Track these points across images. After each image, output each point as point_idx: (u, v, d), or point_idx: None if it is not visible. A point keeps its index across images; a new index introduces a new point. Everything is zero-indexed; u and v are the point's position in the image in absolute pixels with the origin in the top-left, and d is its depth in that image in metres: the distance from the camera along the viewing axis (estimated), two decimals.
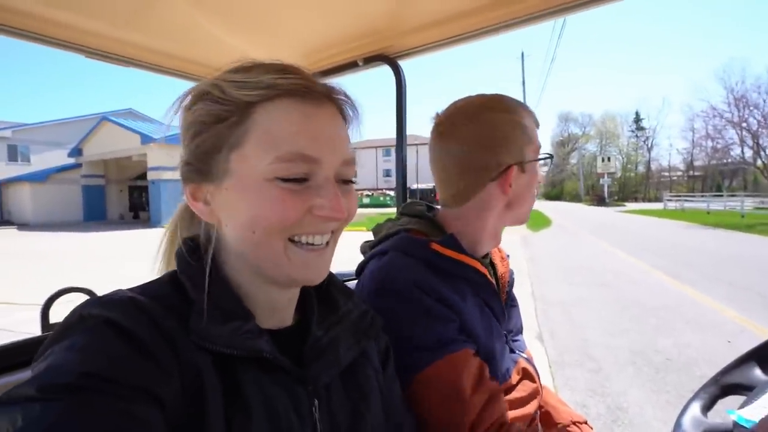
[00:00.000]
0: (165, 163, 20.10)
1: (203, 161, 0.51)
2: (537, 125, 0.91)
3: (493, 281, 0.95)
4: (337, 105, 0.54)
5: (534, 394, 0.95)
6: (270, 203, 0.47)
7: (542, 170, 0.93)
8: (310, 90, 0.50)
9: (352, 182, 0.55)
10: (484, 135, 0.86)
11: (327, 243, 0.52)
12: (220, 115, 0.49)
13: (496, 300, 0.91)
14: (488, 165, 0.86)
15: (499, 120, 0.86)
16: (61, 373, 0.36)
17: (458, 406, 0.73)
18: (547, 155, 0.93)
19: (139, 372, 0.39)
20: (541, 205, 43.71)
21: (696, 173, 59.51)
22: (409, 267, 0.82)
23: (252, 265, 0.52)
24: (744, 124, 21.01)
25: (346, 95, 0.55)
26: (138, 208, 27.88)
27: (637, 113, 71.21)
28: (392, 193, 38.18)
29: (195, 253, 0.53)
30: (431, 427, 0.71)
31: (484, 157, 0.86)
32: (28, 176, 25.00)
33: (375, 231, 0.99)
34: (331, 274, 0.64)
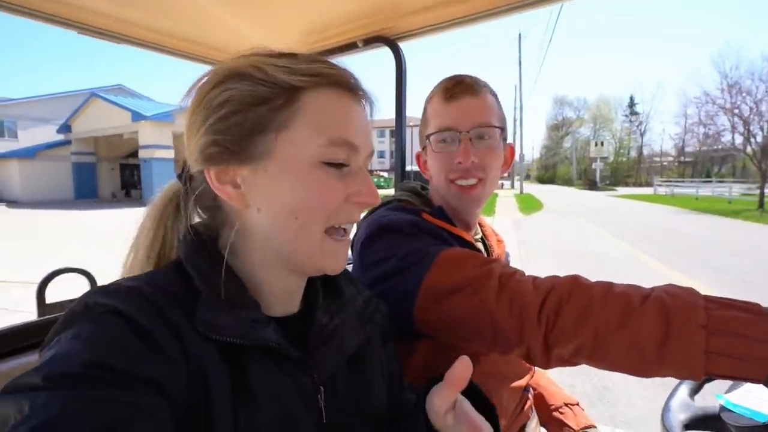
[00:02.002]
0: (157, 141, 19.76)
1: (239, 142, 0.49)
2: (446, 98, 0.90)
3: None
4: (366, 102, 0.57)
5: (526, 369, 0.99)
6: (315, 187, 0.49)
7: (443, 146, 0.91)
8: (351, 84, 0.53)
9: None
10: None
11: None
12: (264, 96, 0.49)
13: None
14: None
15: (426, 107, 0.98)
16: (67, 363, 0.36)
17: (482, 258, 0.75)
18: (428, 135, 0.93)
19: (145, 362, 0.39)
20: (534, 189, 43.83)
21: (687, 159, 59.85)
22: (403, 215, 0.87)
23: (281, 253, 0.52)
24: (736, 111, 21.02)
25: (371, 94, 0.57)
26: (130, 187, 27.46)
27: (631, 98, 71.14)
28: (386, 174, 38.00)
29: (200, 241, 0.53)
30: (461, 288, 0.70)
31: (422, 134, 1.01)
32: (16, 152, 24.43)
33: (369, 209, 1.03)
34: None
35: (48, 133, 26.02)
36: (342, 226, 0.53)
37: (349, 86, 0.53)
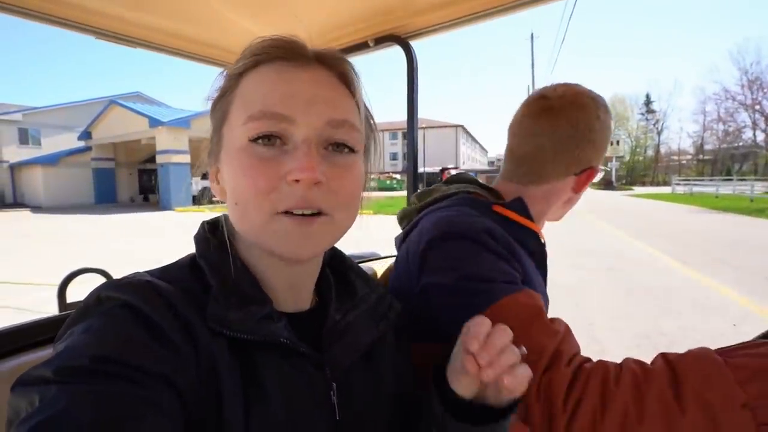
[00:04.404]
0: (173, 147, 20.14)
1: (211, 141, 0.53)
2: None
3: None
4: (332, 68, 0.51)
5: None
6: (243, 170, 0.46)
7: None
8: (291, 52, 0.49)
9: (350, 150, 0.50)
10: (593, 129, 0.84)
11: (316, 214, 0.47)
12: (220, 93, 0.51)
13: (544, 276, 0.89)
14: (581, 158, 0.86)
15: (605, 122, 0.86)
16: (77, 356, 0.36)
17: (542, 327, 0.67)
18: (606, 169, 0.93)
19: (155, 357, 0.39)
20: None
21: (706, 157, 58.44)
22: (477, 217, 0.79)
23: (248, 240, 0.51)
24: (757, 107, 20.49)
25: (337, 56, 0.51)
26: (148, 191, 28.07)
27: (647, 96, 69.96)
28: (399, 176, 37.91)
29: (214, 236, 0.54)
30: None
31: (584, 150, 0.85)
32: (40, 159, 25.21)
33: (420, 196, 0.97)
34: (347, 258, 0.65)
35: (69, 140, 26.76)
36: (292, 211, 0.46)
37: (286, 58, 0.48)
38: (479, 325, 0.49)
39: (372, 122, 0.57)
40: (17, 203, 26.08)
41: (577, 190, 0.89)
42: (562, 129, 0.84)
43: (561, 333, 0.67)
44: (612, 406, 0.58)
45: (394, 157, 56.91)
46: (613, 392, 0.58)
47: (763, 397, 0.52)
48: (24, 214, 20.30)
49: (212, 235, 0.54)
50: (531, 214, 0.85)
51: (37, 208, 23.28)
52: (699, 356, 0.58)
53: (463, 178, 0.96)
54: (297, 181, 0.45)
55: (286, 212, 0.46)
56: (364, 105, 0.54)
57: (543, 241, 0.88)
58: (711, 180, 37.00)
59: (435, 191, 0.94)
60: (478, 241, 0.73)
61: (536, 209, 0.88)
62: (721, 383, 0.54)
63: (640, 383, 0.58)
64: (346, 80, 0.52)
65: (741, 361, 0.56)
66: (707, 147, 56.57)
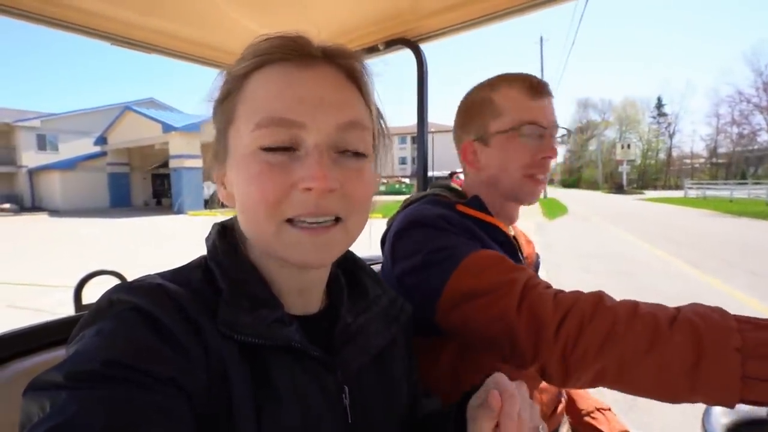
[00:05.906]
0: (186, 151, 20.45)
1: (216, 143, 0.52)
2: (533, 94, 0.89)
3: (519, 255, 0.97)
4: (340, 66, 0.49)
5: None
6: (251, 179, 0.45)
7: (528, 141, 0.88)
8: (297, 52, 0.47)
9: (361, 155, 0.49)
10: (458, 116, 0.98)
11: (332, 222, 0.47)
12: (224, 94, 0.50)
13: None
14: (457, 143, 0.99)
15: (470, 100, 0.96)
16: (87, 360, 0.36)
17: (508, 266, 0.71)
18: (513, 128, 0.88)
19: (165, 361, 0.38)
20: (557, 193, 42.93)
21: (719, 160, 57.52)
22: (436, 208, 0.85)
23: (255, 245, 0.51)
24: None
25: (345, 52, 0.49)
26: (161, 195, 28.59)
27: (659, 99, 69.22)
28: (408, 180, 37.89)
29: (225, 239, 0.53)
30: (484, 293, 0.69)
31: (456, 135, 0.99)
32: (58, 164, 25.89)
33: (403, 204, 1.03)
34: (359, 260, 0.65)
35: (86, 146, 27.36)
36: (301, 219, 0.45)
37: (293, 57, 0.47)
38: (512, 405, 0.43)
39: (383, 122, 0.56)
40: (35, 207, 26.70)
41: (473, 166, 0.95)
42: (457, 114, 0.99)
43: (529, 270, 0.72)
44: (601, 316, 0.60)
45: (403, 161, 56.97)
46: (607, 308, 0.61)
47: (759, 348, 0.52)
48: (42, 218, 20.73)
49: (223, 237, 0.53)
50: (489, 209, 0.91)
51: (54, 212, 23.78)
52: (709, 307, 0.59)
53: (437, 184, 1.03)
54: (309, 189, 0.44)
55: (297, 221, 0.45)
56: (374, 103, 0.53)
57: (506, 231, 0.91)
58: (725, 183, 36.36)
59: (411, 197, 1.01)
60: (436, 226, 0.80)
61: (490, 199, 0.93)
62: (721, 326, 0.54)
63: (639, 307, 0.60)
64: (355, 78, 0.50)
65: (750, 318, 0.56)
66: (721, 150, 55.74)
